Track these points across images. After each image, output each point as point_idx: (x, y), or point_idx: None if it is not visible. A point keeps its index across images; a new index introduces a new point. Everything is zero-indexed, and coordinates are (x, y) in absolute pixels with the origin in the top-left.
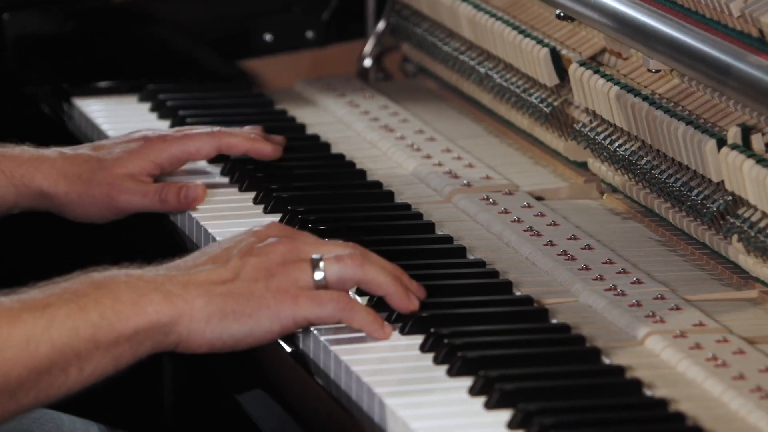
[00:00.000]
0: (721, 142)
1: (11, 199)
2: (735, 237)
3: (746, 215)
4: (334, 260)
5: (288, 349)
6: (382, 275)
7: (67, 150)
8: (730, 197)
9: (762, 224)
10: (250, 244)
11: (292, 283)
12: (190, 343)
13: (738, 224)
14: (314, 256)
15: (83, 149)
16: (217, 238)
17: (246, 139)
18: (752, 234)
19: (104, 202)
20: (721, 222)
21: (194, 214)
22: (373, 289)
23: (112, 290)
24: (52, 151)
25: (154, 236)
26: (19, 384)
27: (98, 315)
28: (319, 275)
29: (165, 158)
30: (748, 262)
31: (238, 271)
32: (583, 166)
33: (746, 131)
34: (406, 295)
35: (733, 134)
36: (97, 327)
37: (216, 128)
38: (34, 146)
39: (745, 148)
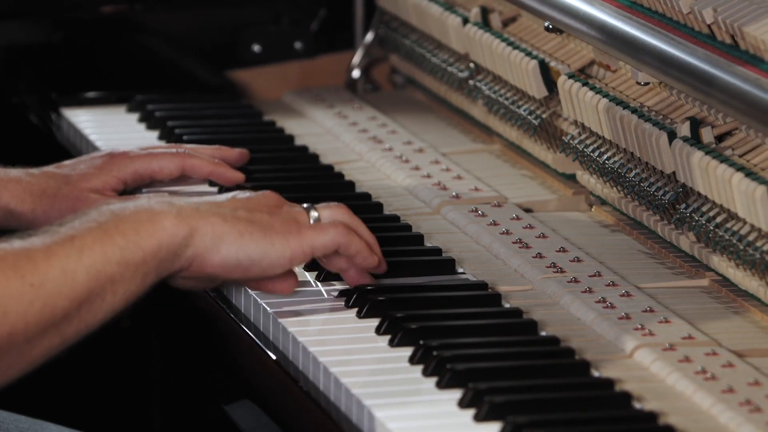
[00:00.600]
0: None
1: None
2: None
3: (735, 228)
4: (325, 207)
5: (275, 358)
6: (363, 227)
7: (33, 169)
8: (723, 211)
9: (751, 237)
10: (242, 192)
11: (293, 219)
12: (204, 260)
13: (727, 237)
14: (305, 204)
15: (48, 168)
16: None
17: (209, 163)
18: (741, 247)
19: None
20: (710, 235)
21: None
22: (359, 235)
23: (129, 213)
24: (17, 171)
25: None
26: (64, 316)
27: (122, 237)
28: (314, 215)
29: (128, 174)
30: (737, 276)
31: (239, 205)
32: (571, 178)
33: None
34: (380, 253)
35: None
36: (123, 249)
37: (182, 148)
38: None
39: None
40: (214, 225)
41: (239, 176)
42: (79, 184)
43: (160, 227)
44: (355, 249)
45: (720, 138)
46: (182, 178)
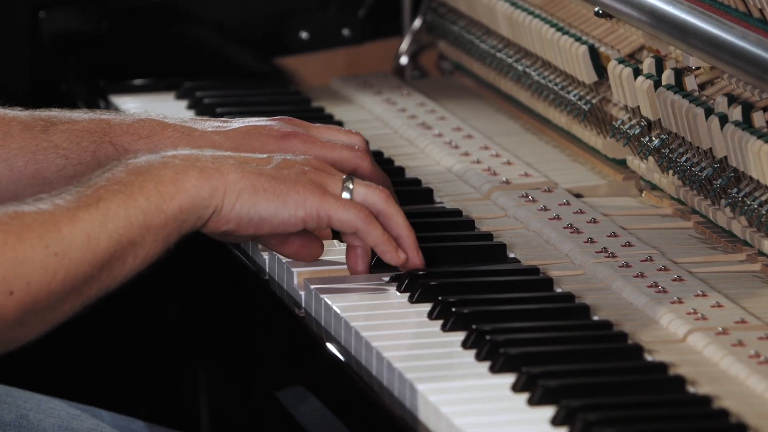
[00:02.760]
0: None
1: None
2: None
3: None
4: (364, 185)
5: (330, 345)
6: (401, 216)
7: (195, 126)
8: None
9: None
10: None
11: (322, 184)
12: (220, 217)
13: None
14: (345, 176)
15: (210, 135)
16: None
17: (378, 174)
18: None
19: None
20: (762, 219)
21: None
22: (390, 225)
23: (152, 173)
24: (198, 133)
25: None
26: (85, 280)
27: (145, 199)
28: (346, 193)
29: None
30: None
31: (272, 161)
32: (622, 163)
33: None
34: (416, 246)
35: None
36: (146, 212)
37: (359, 143)
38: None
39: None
40: (232, 183)
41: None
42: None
43: (182, 188)
44: (373, 240)
45: None
46: None
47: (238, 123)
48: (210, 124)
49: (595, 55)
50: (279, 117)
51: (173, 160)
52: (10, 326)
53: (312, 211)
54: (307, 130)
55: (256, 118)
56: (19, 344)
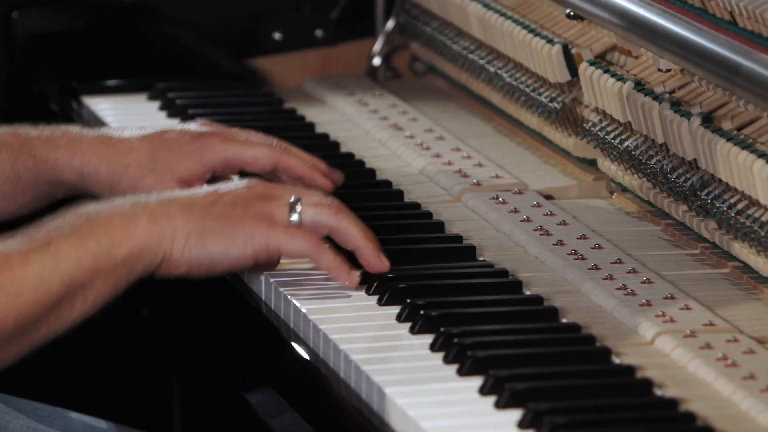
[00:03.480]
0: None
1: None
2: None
3: (756, 215)
4: (312, 205)
5: (298, 347)
6: (355, 228)
7: (115, 135)
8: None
9: None
10: (229, 183)
11: (268, 215)
12: (171, 263)
13: (748, 224)
14: (292, 199)
15: (134, 145)
16: None
17: (304, 165)
18: (762, 234)
19: None
20: (731, 222)
21: None
22: (345, 240)
23: (102, 219)
24: (98, 138)
25: None
26: (36, 322)
27: (95, 243)
28: (294, 217)
29: (219, 161)
30: (759, 263)
31: (217, 199)
32: (593, 164)
33: None
34: (376, 253)
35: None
36: (96, 256)
37: (279, 142)
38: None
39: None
40: (180, 228)
41: (329, 185)
42: (164, 174)
43: (132, 234)
44: (325, 266)
45: (740, 126)
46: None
47: (154, 129)
48: (127, 131)
49: (568, 54)
50: (199, 120)
51: (122, 207)
52: None
53: (261, 246)
54: (222, 131)
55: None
56: None
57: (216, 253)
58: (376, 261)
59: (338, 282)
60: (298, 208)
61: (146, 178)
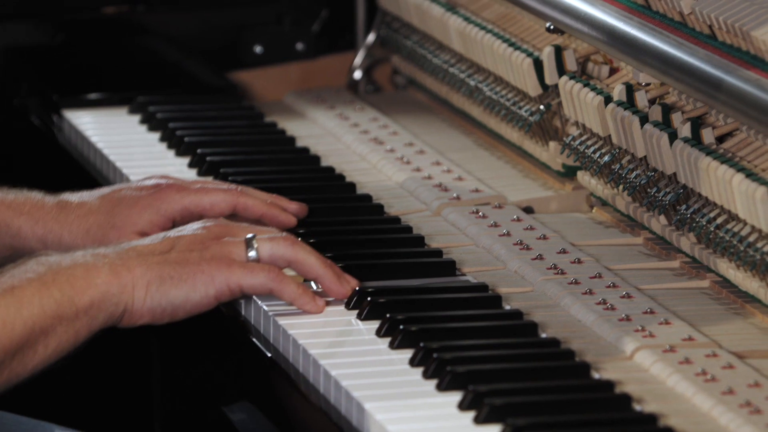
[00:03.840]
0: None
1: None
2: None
3: (735, 229)
4: (267, 240)
5: (277, 362)
6: (312, 257)
7: (74, 199)
8: (724, 212)
9: (751, 239)
10: (184, 226)
11: (226, 255)
12: (133, 312)
13: (727, 238)
14: (248, 236)
15: (93, 203)
16: None
17: (263, 204)
18: (741, 249)
19: None
20: (711, 236)
21: None
22: (305, 270)
23: (65, 268)
24: (56, 203)
25: None
26: None
27: (58, 290)
28: (252, 253)
29: (177, 211)
30: (738, 277)
31: (174, 244)
32: (572, 178)
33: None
34: (337, 279)
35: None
36: (58, 302)
37: (234, 186)
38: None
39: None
40: (139, 277)
41: (292, 221)
42: (125, 229)
43: (94, 284)
44: (289, 297)
45: (720, 139)
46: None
47: (110, 188)
48: (85, 194)
49: (539, 67)
50: (154, 176)
51: (84, 257)
52: None
53: (222, 287)
54: (177, 181)
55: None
56: None
57: (177, 299)
58: (339, 287)
59: (305, 311)
60: (255, 244)
61: (108, 236)
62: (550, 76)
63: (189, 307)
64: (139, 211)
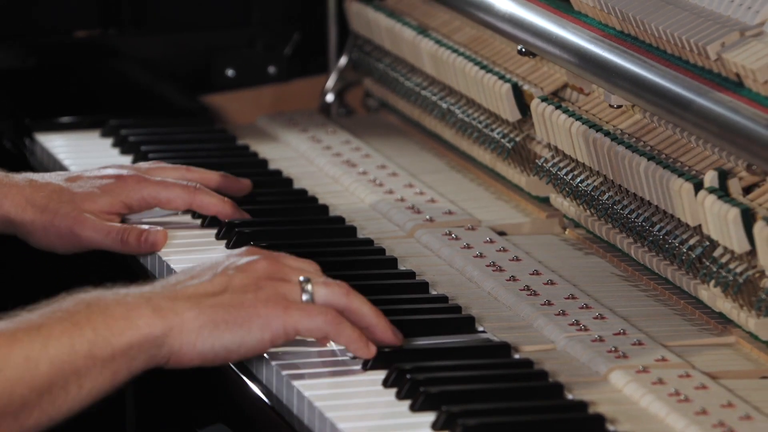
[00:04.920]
0: (698, 186)
1: None
2: (712, 282)
3: (723, 260)
4: (322, 284)
5: (251, 384)
6: (366, 306)
7: (38, 178)
8: (706, 241)
9: (724, 260)
10: (233, 262)
11: (282, 297)
12: (182, 356)
13: (715, 269)
14: (301, 278)
15: (55, 179)
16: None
17: (219, 202)
18: (714, 269)
19: (67, 235)
20: (683, 257)
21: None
22: (358, 318)
23: (102, 307)
24: (21, 178)
25: (113, 267)
26: (22, 404)
27: (92, 331)
28: (306, 297)
29: (135, 200)
30: (711, 298)
31: (226, 285)
32: (545, 201)
33: (723, 175)
34: (390, 329)
35: (710, 178)
36: (92, 343)
37: (192, 184)
38: (4, 171)
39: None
40: (189, 321)
41: (245, 217)
42: (83, 204)
43: (134, 325)
44: (346, 341)
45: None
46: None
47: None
48: (52, 174)
49: (518, 93)
50: (114, 165)
51: (125, 297)
52: None
53: (278, 330)
54: (138, 172)
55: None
56: None
57: (232, 343)
58: (391, 337)
59: (358, 356)
60: (309, 287)
61: (61, 208)
62: (512, 113)
63: (243, 351)
64: (99, 195)
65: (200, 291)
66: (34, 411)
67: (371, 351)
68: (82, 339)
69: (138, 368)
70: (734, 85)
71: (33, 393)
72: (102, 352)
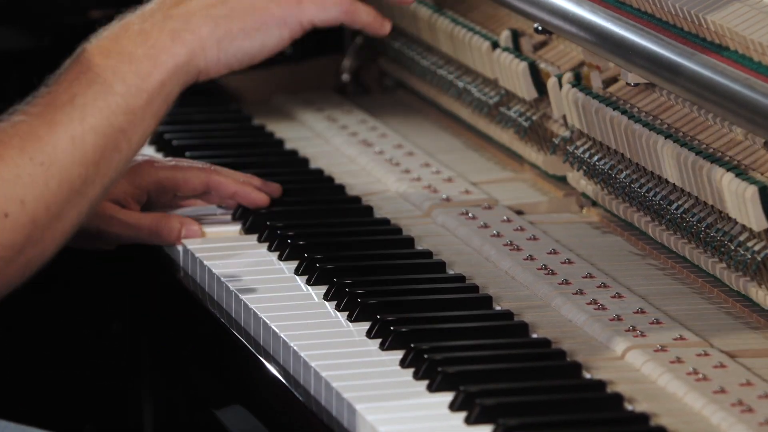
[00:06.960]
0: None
1: None
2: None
3: (726, 228)
4: None
5: (268, 365)
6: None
7: None
8: (714, 211)
9: (741, 238)
10: None
11: None
12: (209, 71)
13: (718, 238)
14: None
15: None
16: (196, 255)
17: (235, 182)
18: (732, 248)
19: (96, 236)
20: (701, 236)
21: None
22: (356, 18)
23: (122, 53)
24: None
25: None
26: (83, 182)
27: (122, 84)
28: None
29: (152, 183)
30: (728, 276)
31: None
32: (562, 180)
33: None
34: (384, 21)
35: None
36: (125, 96)
37: (208, 165)
38: None
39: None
40: (207, 38)
41: (264, 199)
42: None
43: (159, 62)
44: (364, 21)
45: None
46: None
47: None
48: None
49: (535, 71)
50: None
51: (141, 26)
52: (18, 250)
53: (295, 26)
54: (153, 158)
55: None
56: (38, 264)
57: (252, 48)
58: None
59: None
60: None
61: None
62: (528, 91)
63: (267, 51)
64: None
65: (209, 3)
66: (96, 181)
67: (387, 28)
68: (115, 97)
69: (174, 97)
70: (750, 61)
71: (89, 168)
72: (138, 101)
